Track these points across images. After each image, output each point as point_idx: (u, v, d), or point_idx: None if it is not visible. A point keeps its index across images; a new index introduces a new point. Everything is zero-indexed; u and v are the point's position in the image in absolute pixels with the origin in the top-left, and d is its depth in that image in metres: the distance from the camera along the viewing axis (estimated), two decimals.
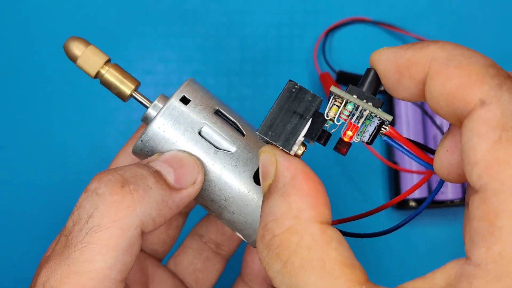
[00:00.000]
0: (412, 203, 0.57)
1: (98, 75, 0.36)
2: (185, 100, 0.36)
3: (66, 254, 0.31)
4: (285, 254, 0.27)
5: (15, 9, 0.60)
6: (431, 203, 0.57)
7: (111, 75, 0.36)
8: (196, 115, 0.36)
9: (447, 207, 0.58)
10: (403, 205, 0.57)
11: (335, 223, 0.32)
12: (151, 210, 0.32)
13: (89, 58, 0.36)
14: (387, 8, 0.61)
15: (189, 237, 0.47)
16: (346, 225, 0.33)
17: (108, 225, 0.31)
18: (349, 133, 0.30)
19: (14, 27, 0.60)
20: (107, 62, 0.36)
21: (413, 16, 0.61)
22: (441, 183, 0.31)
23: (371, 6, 0.61)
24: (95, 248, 0.31)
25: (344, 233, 0.32)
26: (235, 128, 0.37)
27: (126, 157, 0.42)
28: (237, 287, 0.47)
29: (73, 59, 0.36)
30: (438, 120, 0.58)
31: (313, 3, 0.61)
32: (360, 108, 0.29)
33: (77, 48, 0.36)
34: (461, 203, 0.57)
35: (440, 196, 0.57)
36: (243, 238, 0.38)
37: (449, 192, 0.57)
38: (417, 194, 0.57)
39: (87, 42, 0.37)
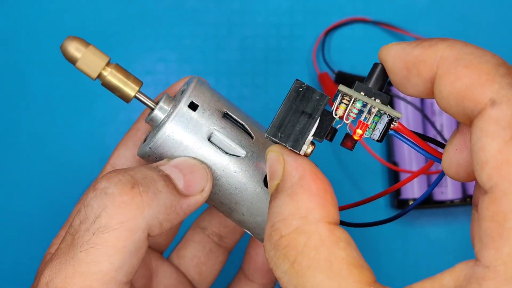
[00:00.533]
0: (411, 203, 0.57)
1: (99, 77, 0.35)
2: (193, 106, 0.35)
3: (71, 254, 0.31)
4: (292, 254, 0.26)
5: (15, 9, 0.60)
6: (431, 203, 0.57)
7: (114, 77, 0.35)
8: (205, 121, 0.35)
9: (447, 207, 0.58)
10: (403, 204, 0.57)
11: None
12: (159, 214, 0.32)
13: (90, 59, 0.34)
14: (387, 8, 0.61)
15: (191, 230, 0.47)
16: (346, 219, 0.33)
17: (115, 226, 0.31)
18: (359, 131, 0.30)
19: (14, 26, 0.59)
20: (108, 63, 0.35)
21: (413, 16, 0.61)
22: (442, 175, 0.31)
23: (371, 6, 0.61)
24: (101, 250, 0.30)
25: (343, 223, 0.32)
26: (243, 130, 0.36)
27: (127, 150, 0.41)
28: (238, 281, 0.46)
29: (72, 61, 0.34)
30: (438, 124, 0.58)
31: (313, 3, 0.61)
32: (368, 106, 0.29)
33: (76, 49, 0.34)
34: (461, 203, 0.57)
35: (440, 196, 0.57)
36: (252, 235, 0.38)
37: (449, 192, 0.57)
38: (416, 193, 0.57)
39: (86, 42, 0.35)
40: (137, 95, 0.36)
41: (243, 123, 0.37)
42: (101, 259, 0.30)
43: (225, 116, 0.36)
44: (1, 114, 0.59)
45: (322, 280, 0.25)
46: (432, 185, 0.32)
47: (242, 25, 0.60)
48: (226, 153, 0.35)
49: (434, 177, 0.58)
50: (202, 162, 0.35)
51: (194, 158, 0.35)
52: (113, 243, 0.30)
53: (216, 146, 0.35)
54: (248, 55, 0.60)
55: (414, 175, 0.33)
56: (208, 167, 0.35)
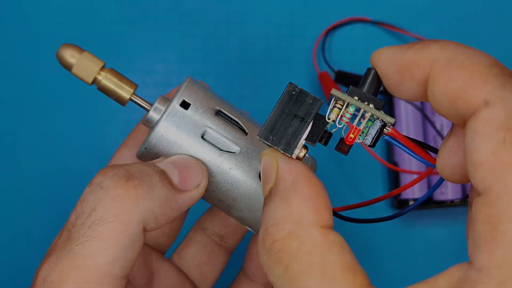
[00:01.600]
0: (411, 203, 0.57)
1: (95, 81, 0.35)
2: (185, 104, 0.36)
3: (68, 248, 0.31)
4: (285, 259, 0.26)
5: (15, 9, 0.60)
6: (431, 203, 0.57)
7: (108, 81, 0.36)
8: (198, 119, 0.36)
9: (447, 207, 0.58)
10: (402, 204, 0.57)
11: (338, 209, 0.33)
12: (154, 207, 0.32)
13: (84, 65, 0.35)
14: (387, 8, 0.61)
15: (192, 230, 0.47)
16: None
17: (111, 219, 0.31)
18: (351, 136, 0.30)
19: (13, 26, 0.59)
20: (103, 67, 0.35)
21: (413, 16, 0.61)
22: (442, 179, 0.31)
23: (371, 6, 0.61)
24: (97, 243, 0.30)
25: (340, 217, 0.32)
26: (237, 127, 0.37)
27: (128, 151, 0.41)
28: (239, 281, 0.47)
29: (67, 67, 0.35)
30: (438, 124, 0.58)
31: (313, 3, 0.61)
32: (362, 111, 0.29)
33: (71, 56, 0.35)
34: (461, 203, 0.57)
35: (440, 196, 0.57)
36: (253, 232, 0.38)
37: (449, 192, 0.57)
38: (417, 194, 0.57)
39: (80, 49, 0.35)
40: (132, 97, 0.36)
41: (237, 119, 0.37)
42: (97, 252, 0.30)
43: (218, 113, 0.37)
44: (1, 115, 0.59)
45: (316, 285, 0.25)
46: (433, 187, 0.32)
47: (242, 25, 0.60)
48: (220, 150, 0.36)
49: (434, 178, 0.58)
50: (198, 159, 0.35)
51: (189, 155, 0.35)
52: (109, 236, 0.31)
53: (210, 143, 0.36)
54: (248, 56, 0.60)
55: (416, 180, 0.33)
56: (203, 164, 0.35)
